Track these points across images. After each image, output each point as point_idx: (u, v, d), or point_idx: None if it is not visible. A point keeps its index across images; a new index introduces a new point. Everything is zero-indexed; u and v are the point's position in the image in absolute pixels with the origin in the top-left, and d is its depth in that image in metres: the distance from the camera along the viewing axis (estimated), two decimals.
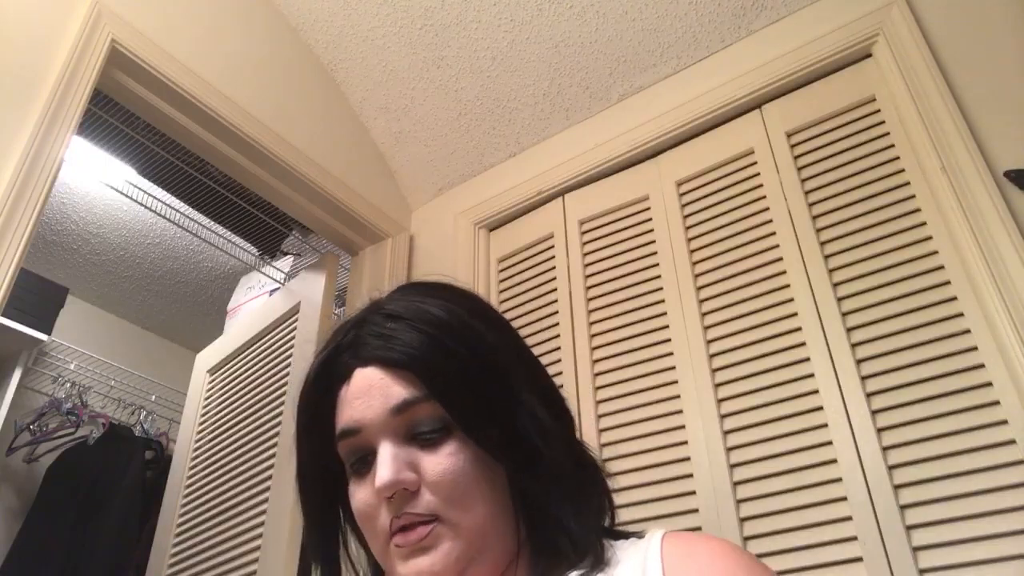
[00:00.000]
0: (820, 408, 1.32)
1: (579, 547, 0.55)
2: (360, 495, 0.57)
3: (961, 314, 1.25)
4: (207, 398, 2.30)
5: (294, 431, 0.63)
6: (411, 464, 0.56)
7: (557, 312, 1.75)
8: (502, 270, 1.96)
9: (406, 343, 0.57)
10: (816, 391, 1.34)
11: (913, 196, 1.38)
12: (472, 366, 0.58)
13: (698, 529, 1.34)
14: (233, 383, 2.19)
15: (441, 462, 0.55)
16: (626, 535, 0.59)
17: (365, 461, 0.58)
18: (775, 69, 1.64)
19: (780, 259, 1.48)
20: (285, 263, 2.58)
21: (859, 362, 1.31)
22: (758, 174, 1.60)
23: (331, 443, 0.60)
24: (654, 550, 0.53)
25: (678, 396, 1.48)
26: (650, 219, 1.72)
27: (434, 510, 0.55)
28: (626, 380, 1.57)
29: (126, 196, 2.39)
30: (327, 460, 0.61)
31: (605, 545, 0.57)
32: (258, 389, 2.06)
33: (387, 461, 0.55)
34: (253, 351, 2.17)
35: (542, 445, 0.57)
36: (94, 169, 2.35)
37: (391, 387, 0.57)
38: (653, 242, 1.68)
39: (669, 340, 1.55)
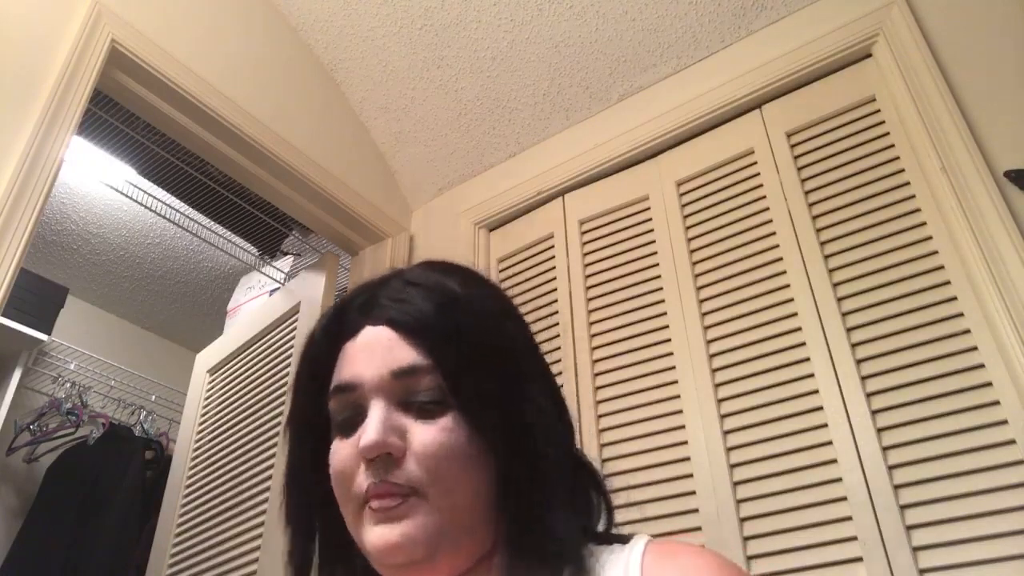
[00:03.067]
0: (820, 408, 1.32)
1: (561, 549, 0.53)
2: (342, 453, 0.55)
3: (961, 314, 1.25)
4: (207, 398, 2.30)
5: (292, 379, 0.62)
6: (400, 431, 0.53)
7: (557, 312, 1.75)
8: (502, 270, 1.95)
9: (421, 309, 0.56)
10: (816, 391, 1.34)
11: (913, 196, 1.38)
12: (483, 346, 0.57)
13: (698, 530, 1.34)
14: (233, 383, 2.19)
15: (432, 434, 0.53)
16: (610, 539, 0.57)
17: (353, 421, 0.55)
18: (775, 69, 1.64)
19: (780, 259, 1.48)
20: (285, 263, 2.58)
21: (859, 362, 1.31)
22: (758, 174, 1.60)
23: (326, 396, 0.58)
24: (635, 560, 0.52)
25: (678, 396, 1.48)
26: (650, 219, 1.72)
27: (415, 483, 0.52)
28: (626, 380, 1.57)
29: (126, 196, 2.39)
30: (319, 414, 0.59)
31: (587, 548, 0.55)
32: (258, 389, 2.06)
33: (376, 422, 0.53)
34: (253, 351, 2.17)
35: (541, 437, 0.56)
36: (94, 169, 2.35)
37: (397, 349, 0.55)
38: (653, 242, 1.68)
39: (669, 340, 1.55)
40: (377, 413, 0.54)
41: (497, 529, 0.55)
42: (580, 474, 0.60)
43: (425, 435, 0.53)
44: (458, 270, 0.63)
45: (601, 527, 0.60)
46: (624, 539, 0.56)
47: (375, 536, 0.52)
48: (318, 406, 0.59)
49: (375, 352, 0.56)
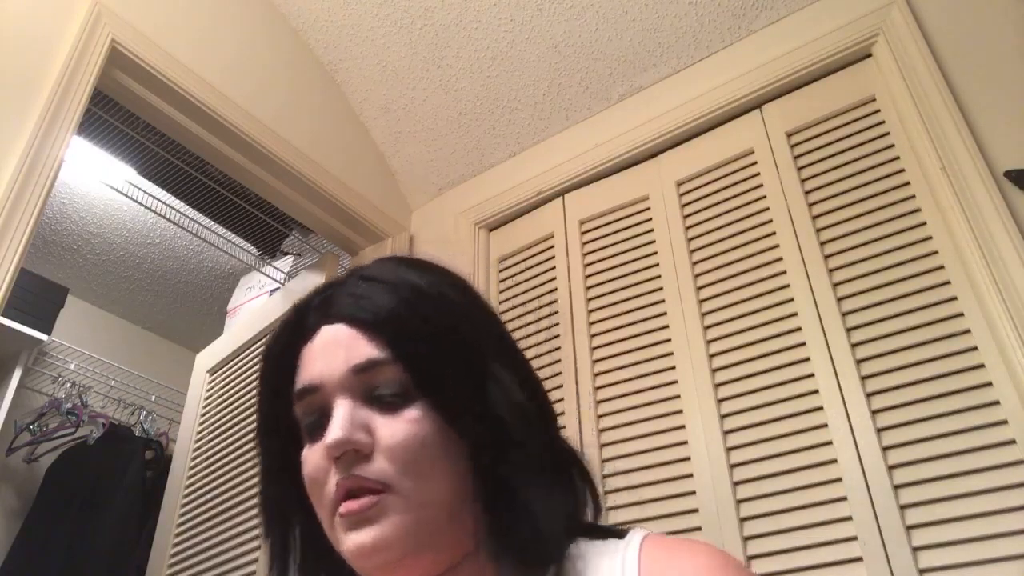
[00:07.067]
0: (820, 408, 1.32)
1: (541, 538, 0.51)
2: (312, 459, 0.54)
3: (961, 314, 1.25)
4: (207, 398, 2.30)
5: (257, 389, 0.61)
6: (366, 426, 0.52)
7: (557, 312, 1.75)
8: (502, 270, 1.95)
9: (377, 303, 0.55)
10: (816, 391, 1.34)
11: (913, 196, 1.38)
12: (443, 332, 0.56)
13: (698, 530, 1.34)
14: (233, 383, 2.19)
15: (399, 427, 0.52)
16: (605, 534, 0.55)
17: (320, 423, 0.54)
18: (775, 69, 1.64)
19: (780, 259, 1.48)
20: (285, 263, 2.58)
21: (859, 362, 1.31)
22: (758, 174, 1.60)
23: (291, 403, 0.57)
24: (632, 556, 0.51)
25: (678, 396, 1.48)
26: (650, 219, 1.72)
27: (386, 478, 0.51)
28: (626, 380, 1.57)
29: (126, 196, 2.39)
30: (287, 421, 0.58)
31: (578, 544, 0.54)
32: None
33: (340, 419, 0.52)
34: (253, 351, 2.17)
35: (510, 418, 0.54)
36: (94, 169, 2.35)
37: (356, 345, 0.54)
38: (653, 242, 1.68)
39: (669, 340, 1.55)
40: (341, 411, 0.53)
41: (476, 519, 0.54)
42: (562, 461, 0.58)
43: (392, 428, 0.52)
44: (417, 262, 0.62)
45: (590, 516, 0.58)
46: (619, 533, 0.55)
47: (349, 543, 0.51)
48: (285, 414, 0.58)
49: (334, 351, 0.55)
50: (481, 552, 0.54)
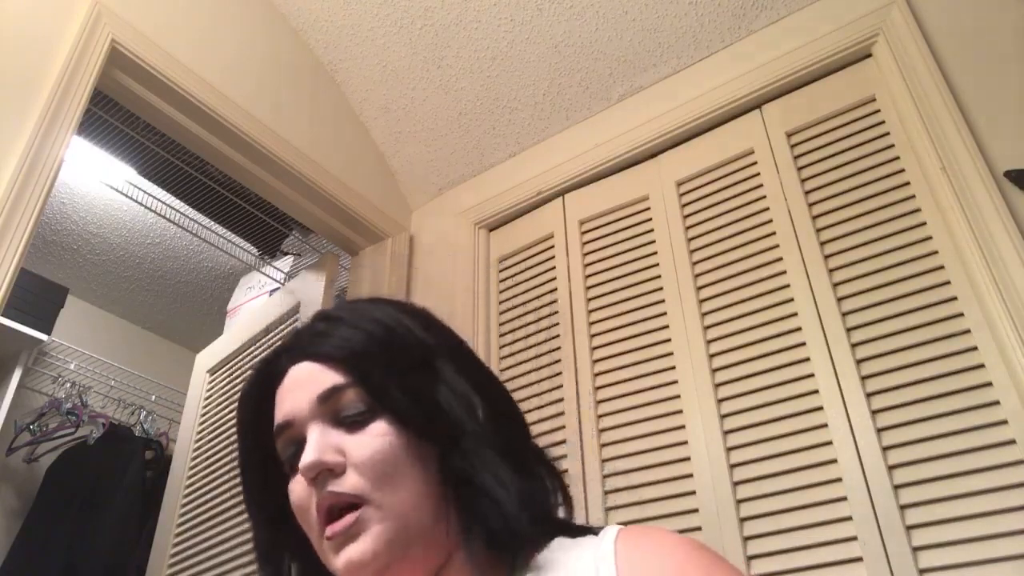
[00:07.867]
0: (820, 408, 1.32)
1: (509, 520, 0.54)
2: (296, 489, 0.58)
3: (961, 314, 1.25)
4: (207, 398, 2.30)
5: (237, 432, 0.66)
6: (337, 447, 0.56)
7: (557, 312, 1.75)
8: (502, 270, 1.95)
9: (337, 338, 0.60)
10: (816, 391, 1.34)
11: (913, 196, 1.38)
12: (399, 352, 0.60)
13: (698, 530, 1.35)
14: (233, 383, 2.19)
15: (367, 442, 0.56)
16: (583, 532, 0.58)
17: (298, 455, 0.58)
18: (775, 69, 1.64)
19: (780, 259, 1.48)
20: (285, 263, 2.58)
21: (859, 362, 1.31)
22: (758, 174, 1.60)
23: (271, 443, 0.61)
24: (607, 549, 0.52)
25: (678, 396, 1.48)
26: (650, 219, 1.72)
27: (360, 491, 0.54)
28: (626, 380, 1.57)
29: (126, 196, 2.39)
30: (269, 460, 0.62)
31: (555, 541, 0.56)
32: None
33: (312, 443, 0.56)
34: (253, 351, 2.17)
35: (465, 418, 0.58)
36: (94, 169, 2.35)
37: (320, 377, 0.59)
38: (653, 242, 1.68)
39: (669, 340, 1.55)
40: (312, 436, 0.57)
41: (451, 519, 0.57)
42: (530, 457, 0.62)
43: (360, 443, 0.56)
44: (375, 299, 0.68)
45: (563, 514, 0.61)
46: (596, 531, 0.57)
47: (339, 562, 0.54)
48: (266, 452, 0.62)
49: (301, 386, 0.59)
50: (462, 549, 0.56)
